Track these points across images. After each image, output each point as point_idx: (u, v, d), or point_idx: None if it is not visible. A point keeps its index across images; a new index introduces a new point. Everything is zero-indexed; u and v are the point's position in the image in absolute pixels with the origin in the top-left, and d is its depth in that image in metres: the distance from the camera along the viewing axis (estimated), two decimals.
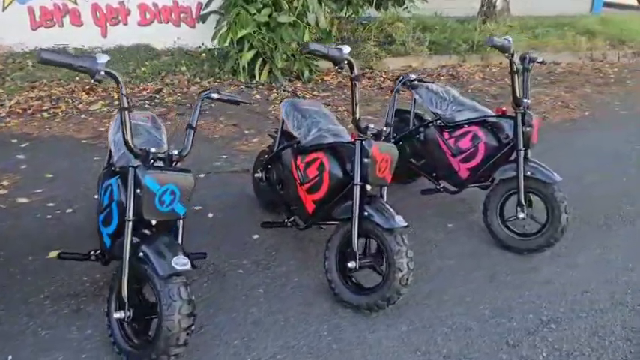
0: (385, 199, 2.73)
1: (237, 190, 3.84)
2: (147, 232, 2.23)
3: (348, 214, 2.59)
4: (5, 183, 3.74)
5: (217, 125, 5.10)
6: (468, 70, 7.58)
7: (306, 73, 6.58)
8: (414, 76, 3.05)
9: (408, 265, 2.49)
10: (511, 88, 3.16)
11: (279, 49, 6.25)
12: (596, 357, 2.44)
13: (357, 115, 2.55)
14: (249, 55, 6.23)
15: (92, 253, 2.53)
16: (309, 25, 6.41)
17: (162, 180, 2.13)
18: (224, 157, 4.42)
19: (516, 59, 3.17)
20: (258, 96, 6.04)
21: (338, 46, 2.46)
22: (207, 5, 6.53)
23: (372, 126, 2.62)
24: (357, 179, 2.55)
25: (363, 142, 2.55)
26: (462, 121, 3.39)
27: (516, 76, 3.14)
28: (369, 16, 8.20)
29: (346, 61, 2.45)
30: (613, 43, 9.18)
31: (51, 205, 3.50)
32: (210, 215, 3.48)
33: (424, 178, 3.72)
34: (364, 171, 2.54)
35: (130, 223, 2.13)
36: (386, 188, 2.75)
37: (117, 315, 2.15)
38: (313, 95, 6.19)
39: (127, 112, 2.11)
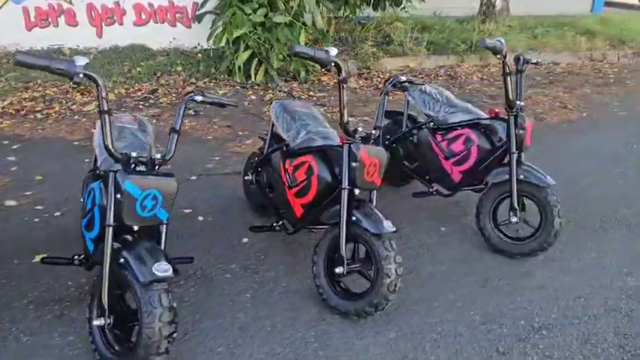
0: (375, 203, 2.69)
1: (228, 192, 3.79)
2: (128, 237, 2.19)
3: (336, 218, 2.55)
4: None
5: (211, 126, 5.06)
6: (466, 71, 7.53)
7: (303, 74, 6.54)
8: (403, 78, 3.00)
9: (396, 271, 2.44)
10: (504, 90, 3.11)
11: (275, 50, 6.20)
12: None
13: (345, 118, 2.51)
14: (244, 56, 6.19)
15: (76, 257, 2.49)
16: (306, 25, 6.36)
17: (144, 185, 2.09)
18: (217, 158, 4.38)
19: (510, 60, 3.12)
20: (253, 97, 6.00)
21: (325, 48, 2.41)
22: (202, 5, 6.49)
23: (360, 129, 2.58)
24: (345, 183, 2.51)
25: (351, 146, 2.51)
26: (455, 123, 3.34)
27: (509, 78, 3.09)
28: (368, 16, 8.15)
29: (333, 63, 2.40)
30: (613, 43, 9.12)
31: (39, 207, 3.46)
32: (200, 218, 3.44)
33: (417, 180, 3.68)
34: (352, 175, 2.50)
35: (111, 229, 2.09)
36: (375, 192, 2.71)
37: (96, 322, 2.11)
38: (309, 96, 6.15)
39: (107, 115, 2.07)
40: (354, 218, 2.50)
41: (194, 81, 6.27)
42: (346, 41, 7.63)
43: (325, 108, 5.73)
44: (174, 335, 2.09)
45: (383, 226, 2.45)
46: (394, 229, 2.48)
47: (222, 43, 6.17)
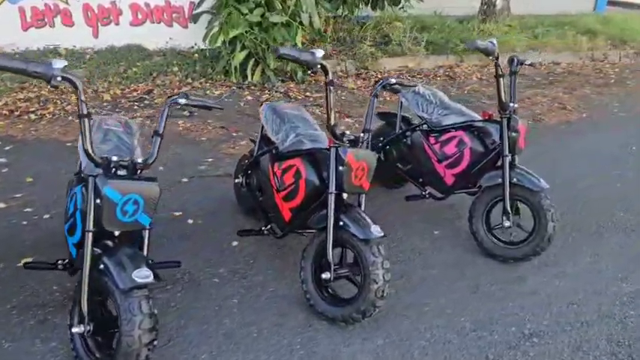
0: (364, 208, 2.65)
1: (219, 195, 3.75)
2: (109, 243, 2.15)
3: (323, 223, 2.51)
4: None
5: (205, 127, 5.02)
6: (465, 71, 7.47)
7: (300, 74, 6.49)
8: (393, 80, 2.96)
9: (383, 277, 2.40)
10: (496, 91, 3.06)
11: (269, 50, 6.15)
12: None
13: (332, 121, 2.47)
14: (241, 56, 6.14)
15: (59, 262, 2.46)
16: (303, 25, 6.32)
17: (124, 189, 2.06)
18: (209, 160, 4.34)
19: (503, 62, 3.07)
20: (249, 97, 5.96)
21: (311, 50, 2.37)
22: (199, 5, 6.44)
23: (348, 132, 2.54)
24: (332, 187, 2.47)
25: (338, 149, 2.47)
26: (448, 125, 3.29)
27: (502, 79, 3.04)
28: (367, 15, 8.10)
29: (319, 66, 2.36)
30: (615, 42, 9.03)
31: (28, 210, 3.43)
32: (190, 221, 3.41)
33: (411, 183, 3.63)
34: (339, 179, 2.46)
35: (90, 234, 2.06)
36: (364, 196, 2.68)
37: (75, 330, 2.07)
38: (306, 96, 6.11)
39: (86, 119, 2.03)
40: (341, 223, 2.46)
41: (190, 81, 6.23)
42: (344, 41, 7.58)
43: (321, 109, 5.67)
44: (155, 343, 2.05)
45: (371, 231, 2.40)
46: (382, 234, 2.43)
47: (218, 44, 6.13)
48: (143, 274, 2.02)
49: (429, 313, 2.70)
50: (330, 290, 2.61)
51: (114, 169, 2.10)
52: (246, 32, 6.06)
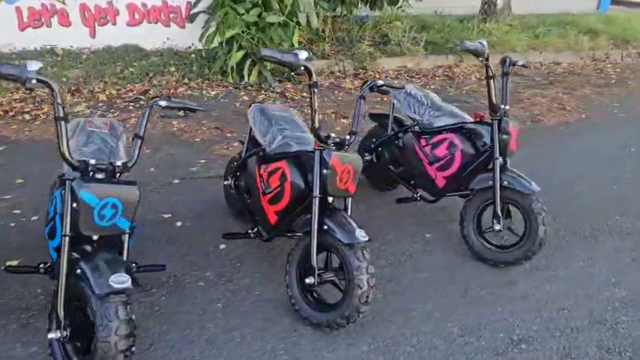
0: (350, 211, 2.61)
1: (210, 196, 3.72)
2: (88, 247, 2.12)
3: (308, 226, 2.47)
4: None
5: (200, 128, 5.00)
6: (464, 71, 7.41)
7: None
8: (380, 82, 2.92)
9: (368, 282, 2.36)
10: (487, 93, 3.02)
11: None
12: None
13: (317, 124, 2.43)
14: (238, 56, 6.11)
15: (41, 266, 2.43)
16: (300, 25, 6.28)
17: (102, 193, 2.03)
18: (202, 161, 4.31)
19: (494, 63, 3.03)
20: (245, 97, 5.93)
21: (294, 51, 2.33)
22: (195, 5, 6.42)
23: (333, 135, 2.50)
24: (316, 191, 2.43)
25: (323, 152, 2.43)
26: (439, 127, 3.25)
27: (492, 81, 3.00)
28: (367, 15, 8.05)
29: (303, 67, 2.33)
30: (617, 42, 8.94)
31: (17, 211, 3.41)
32: (179, 223, 3.38)
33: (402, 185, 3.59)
34: (323, 182, 2.42)
35: (67, 239, 2.03)
36: (350, 200, 2.64)
37: (51, 335, 2.05)
38: (302, 97, 6.07)
39: (62, 122, 2.00)
40: (325, 227, 2.42)
41: (187, 82, 6.21)
42: (343, 41, 7.53)
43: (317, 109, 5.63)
44: (133, 349, 2.02)
45: (355, 236, 2.37)
46: (367, 239, 2.39)
47: (215, 44, 6.11)
48: (120, 280, 1.99)
49: (417, 318, 2.66)
50: (315, 295, 2.57)
51: (92, 173, 2.08)
52: (242, 32, 6.03)
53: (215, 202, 3.62)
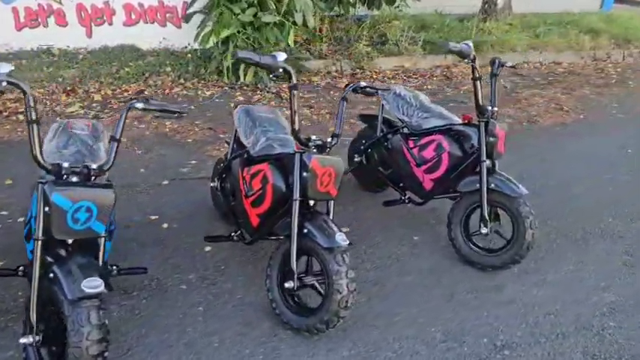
0: (332, 215, 2.58)
1: (199, 198, 3.69)
2: (62, 251, 2.10)
3: (289, 230, 2.44)
4: None
5: (193, 129, 4.98)
6: (462, 71, 7.35)
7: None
8: (363, 84, 2.89)
9: (347, 287, 2.33)
10: (474, 95, 2.98)
11: (264, 50, 6.09)
12: None
13: (297, 126, 2.40)
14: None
15: (20, 269, 2.42)
16: (296, 25, 6.25)
17: (75, 196, 2.01)
18: (193, 162, 4.29)
19: (480, 64, 2.99)
20: (241, 97, 5.91)
21: (273, 53, 2.31)
22: (191, 5, 6.40)
23: (314, 137, 2.47)
24: (296, 194, 2.40)
25: (303, 155, 2.40)
26: (427, 129, 3.21)
27: (479, 82, 2.96)
28: (366, 14, 8.01)
29: (282, 70, 2.30)
30: (618, 42, 8.85)
31: (4, 213, 3.40)
32: (165, 225, 3.36)
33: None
34: (303, 185, 2.39)
35: (40, 243, 2.01)
36: (332, 203, 2.60)
37: (23, 340, 2.03)
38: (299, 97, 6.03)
39: (34, 125, 1.99)
40: (305, 230, 2.40)
41: (183, 82, 6.19)
42: (341, 40, 7.49)
43: (312, 109, 5.62)
44: (106, 354, 2.00)
45: (335, 240, 2.34)
46: (348, 243, 2.36)
47: (210, 44, 6.08)
48: (93, 284, 1.96)
49: (400, 322, 2.63)
50: (296, 299, 2.55)
51: (65, 176, 2.06)
52: (238, 32, 6.01)
53: (204, 203, 3.60)
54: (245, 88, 6.17)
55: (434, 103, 3.52)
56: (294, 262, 2.39)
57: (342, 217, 3.55)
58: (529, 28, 8.70)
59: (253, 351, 2.39)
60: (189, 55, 6.58)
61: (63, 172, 2.06)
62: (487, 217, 2.94)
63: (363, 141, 3.73)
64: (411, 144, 3.28)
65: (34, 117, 1.98)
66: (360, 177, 3.88)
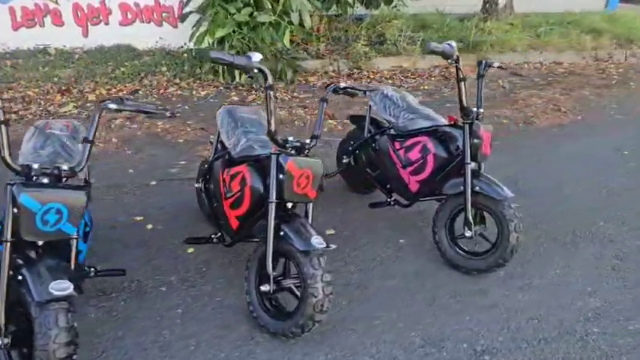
0: (311, 218, 2.55)
1: (186, 199, 3.67)
2: (32, 253, 2.08)
3: (265, 232, 2.41)
4: None
5: (184, 129, 4.97)
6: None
7: (289, 74, 6.40)
8: (343, 85, 2.85)
9: (323, 291, 2.30)
10: (457, 96, 2.94)
11: (259, 50, 6.07)
12: None
13: (273, 127, 2.37)
14: None
15: None
16: (292, 25, 6.23)
17: (44, 198, 1.99)
18: (182, 162, 4.27)
19: (465, 64, 2.94)
20: (235, 97, 5.89)
21: (248, 54, 2.28)
22: (186, 4, 6.39)
23: (291, 138, 2.44)
24: (272, 196, 2.37)
25: (279, 157, 2.38)
26: (412, 130, 3.18)
27: (463, 84, 2.92)
28: (366, 14, 7.97)
29: (257, 70, 2.27)
30: (620, 42, 8.75)
31: None
32: (150, 226, 3.34)
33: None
34: (279, 187, 2.36)
35: (8, 244, 1.99)
36: (311, 205, 2.57)
37: None
38: (293, 97, 6.02)
39: (2, 125, 1.97)
40: (282, 233, 2.37)
41: (178, 81, 6.19)
42: (339, 40, 7.46)
43: (306, 110, 5.59)
44: (74, 357, 1.98)
45: (311, 243, 2.30)
46: (324, 246, 2.33)
47: (205, 44, 6.07)
48: (61, 287, 1.95)
49: (379, 326, 2.59)
50: (273, 302, 2.52)
51: (35, 177, 2.04)
52: (233, 32, 6.00)
53: (189, 204, 3.57)
54: (240, 88, 6.15)
55: (422, 105, 3.48)
56: (270, 265, 2.36)
57: (329, 218, 3.53)
58: (530, 27, 8.61)
59: (229, 354, 2.37)
60: (185, 55, 6.57)
61: (33, 173, 2.04)
62: (471, 220, 2.89)
63: (352, 142, 3.70)
64: (397, 145, 3.24)
65: (1, 118, 1.96)
66: (349, 178, 3.84)
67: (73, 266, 2.17)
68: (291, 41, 6.64)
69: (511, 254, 2.87)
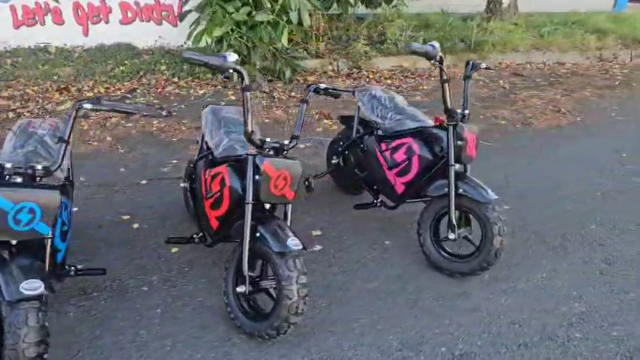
0: (289, 220, 2.54)
1: (174, 198, 3.68)
2: (5, 252, 2.09)
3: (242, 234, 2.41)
4: None
5: (179, 128, 4.98)
6: (462, 71, 7.21)
7: (288, 74, 6.39)
8: (323, 85, 2.83)
9: (298, 293, 2.29)
10: (442, 97, 2.91)
11: (257, 49, 6.07)
12: None
13: (249, 128, 2.36)
14: None
15: None
16: (291, 24, 6.21)
17: (16, 197, 2.00)
18: (174, 162, 4.28)
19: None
20: (233, 97, 5.90)
21: (223, 54, 2.27)
22: (185, 3, 6.40)
23: (268, 139, 2.43)
24: (249, 197, 2.37)
25: (255, 158, 2.37)
26: (398, 131, 3.16)
27: (447, 85, 2.89)
28: (367, 13, 7.93)
29: (232, 71, 2.26)
30: (626, 42, 8.63)
31: None
32: (136, 226, 3.35)
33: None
34: (256, 188, 2.36)
35: None
36: (290, 206, 2.56)
37: None
38: (290, 97, 6.01)
39: None
40: (258, 234, 2.36)
41: (176, 80, 6.21)
42: (340, 39, 7.44)
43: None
44: (45, 356, 1.99)
45: (286, 244, 2.29)
46: (300, 248, 2.32)
47: (203, 43, 6.07)
48: (32, 286, 1.96)
49: (358, 329, 2.58)
50: (251, 303, 2.51)
51: (7, 177, 2.05)
52: (231, 31, 5.99)
53: (178, 204, 3.57)
54: (238, 87, 6.14)
55: (411, 105, 3.46)
56: (246, 267, 2.35)
57: (316, 219, 3.52)
58: (534, 27, 8.52)
59: (205, 355, 2.37)
60: None
61: (5, 172, 2.05)
62: (455, 223, 2.87)
63: (341, 142, 3.68)
64: (384, 146, 3.22)
65: None
66: (338, 179, 3.83)
67: (47, 266, 2.18)
68: (291, 40, 6.63)
69: (495, 258, 2.84)
